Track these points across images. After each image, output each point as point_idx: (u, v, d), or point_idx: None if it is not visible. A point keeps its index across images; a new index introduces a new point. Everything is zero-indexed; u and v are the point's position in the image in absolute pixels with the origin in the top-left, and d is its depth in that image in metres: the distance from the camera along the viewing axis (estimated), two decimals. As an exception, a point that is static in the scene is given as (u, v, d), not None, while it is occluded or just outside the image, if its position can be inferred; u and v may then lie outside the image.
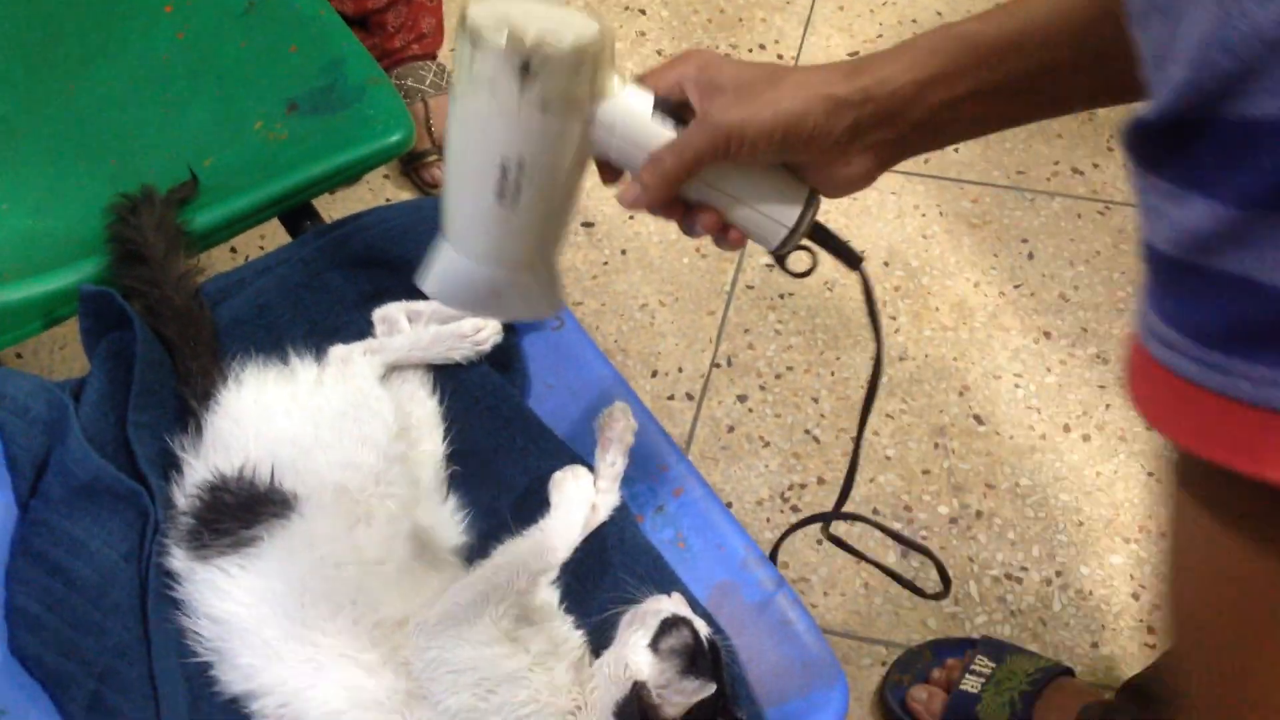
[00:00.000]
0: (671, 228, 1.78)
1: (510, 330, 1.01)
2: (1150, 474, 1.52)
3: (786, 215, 0.68)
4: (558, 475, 0.91)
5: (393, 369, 0.95)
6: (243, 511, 0.85)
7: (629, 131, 0.66)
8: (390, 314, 0.97)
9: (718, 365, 1.64)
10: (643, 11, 2.05)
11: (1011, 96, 0.64)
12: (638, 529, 0.93)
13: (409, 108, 1.82)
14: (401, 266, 1.01)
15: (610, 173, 0.70)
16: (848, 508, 0.86)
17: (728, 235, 0.70)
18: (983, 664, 1.32)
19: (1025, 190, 1.81)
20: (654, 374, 1.63)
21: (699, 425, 1.59)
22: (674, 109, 0.67)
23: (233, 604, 0.81)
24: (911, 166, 1.82)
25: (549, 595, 0.88)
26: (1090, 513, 1.48)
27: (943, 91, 0.64)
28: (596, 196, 1.82)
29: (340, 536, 0.84)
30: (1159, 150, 0.33)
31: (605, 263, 1.75)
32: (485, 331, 0.97)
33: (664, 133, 0.66)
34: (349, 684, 0.80)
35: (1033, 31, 0.62)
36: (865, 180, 0.68)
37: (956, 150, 1.84)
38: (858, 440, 0.80)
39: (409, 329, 0.97)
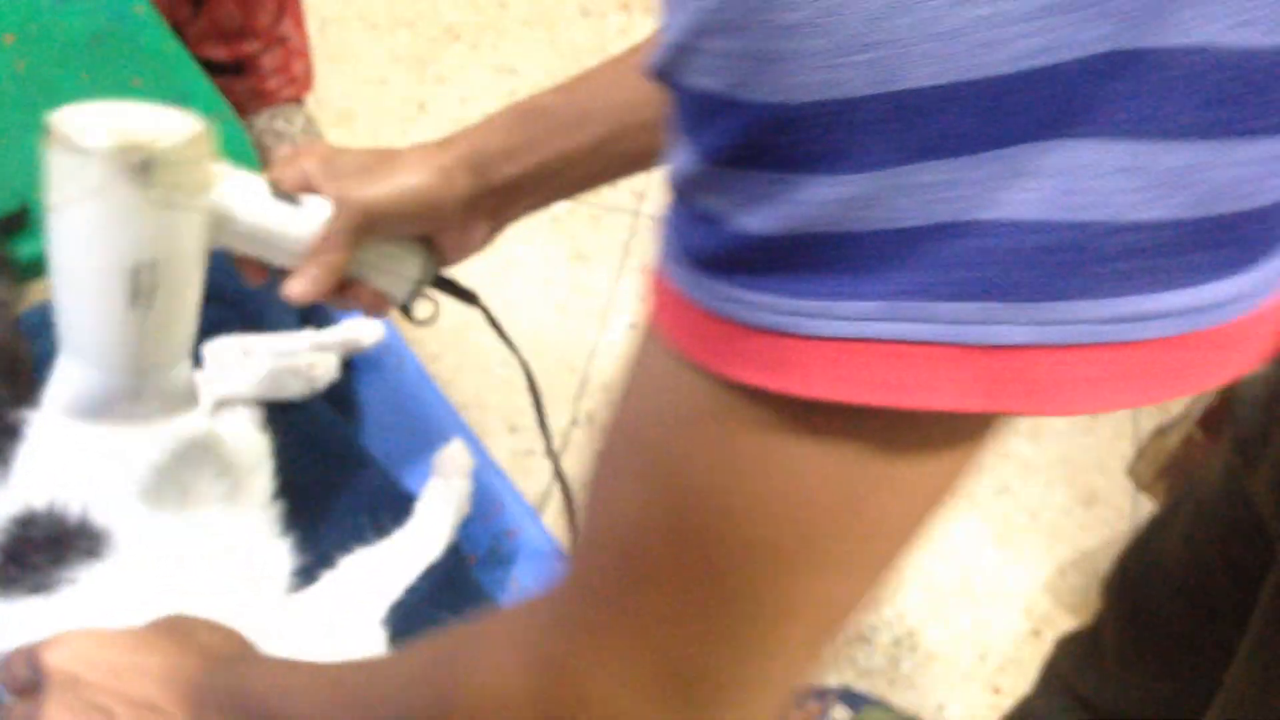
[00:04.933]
0: (535, 286, 1.79)
1: (348, 369, 0.99)
2: (998, 536, 1.55)
3: (413, 270, 0.75)
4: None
5: (222, 404, 0.92)
6: (51, 548, 0.80)
7: (253, 216, 0.68)
8: (223, 348, 0.95)
9: (577, 423, 1.63)
10: (514, 70, 2.07)
11: (593, 158, 0.73)
12: (468, 569, 0.91)
13: (274, 152, 1.81)
14: (237, 300, 0.98)
15: (253, 269, 0.73)
16: None
17: (370, 301, 0.76)
18: (840, 713, 1.32)
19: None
20: (512, 430, 1.61)
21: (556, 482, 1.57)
22: (285, 194, 0.70)
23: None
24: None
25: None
26: (942, 574, 1.51)
27: (532, 156, 0.72)
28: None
29: (155, 575, 0.80)
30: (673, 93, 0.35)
31: (466, 319, 1.73)
32: (320, 369, 0.94)
33: (285, 211, 0.69)
34: None
35: (597, 104, 0.72)
36: (485, 242, 0.78)
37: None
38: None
39: (242, 364, 0.94)
